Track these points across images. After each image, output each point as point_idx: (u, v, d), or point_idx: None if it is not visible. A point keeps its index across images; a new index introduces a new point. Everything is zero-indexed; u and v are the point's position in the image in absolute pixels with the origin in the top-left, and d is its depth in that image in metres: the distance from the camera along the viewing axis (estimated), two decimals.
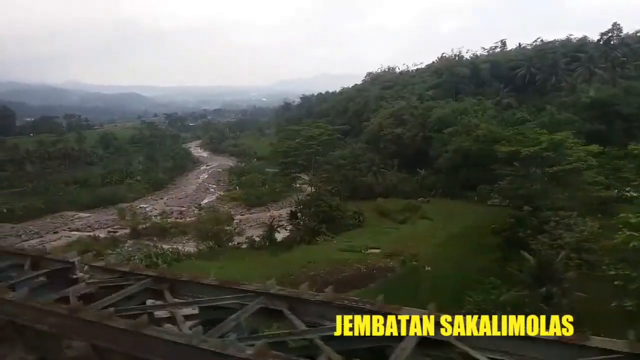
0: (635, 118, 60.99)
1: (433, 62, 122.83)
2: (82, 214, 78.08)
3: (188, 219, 69.58)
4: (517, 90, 78.93)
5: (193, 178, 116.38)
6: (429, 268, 38.49)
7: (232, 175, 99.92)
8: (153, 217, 71.04)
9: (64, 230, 66.25)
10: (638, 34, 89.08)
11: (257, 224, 68.92)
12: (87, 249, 53.17)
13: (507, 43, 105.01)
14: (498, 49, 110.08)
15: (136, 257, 47.05)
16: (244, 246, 54.44)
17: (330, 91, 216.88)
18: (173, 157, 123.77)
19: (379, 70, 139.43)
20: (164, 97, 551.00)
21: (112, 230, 66.41)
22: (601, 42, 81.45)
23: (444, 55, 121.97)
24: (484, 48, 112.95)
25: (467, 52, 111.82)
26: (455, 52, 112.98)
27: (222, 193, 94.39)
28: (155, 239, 61.28)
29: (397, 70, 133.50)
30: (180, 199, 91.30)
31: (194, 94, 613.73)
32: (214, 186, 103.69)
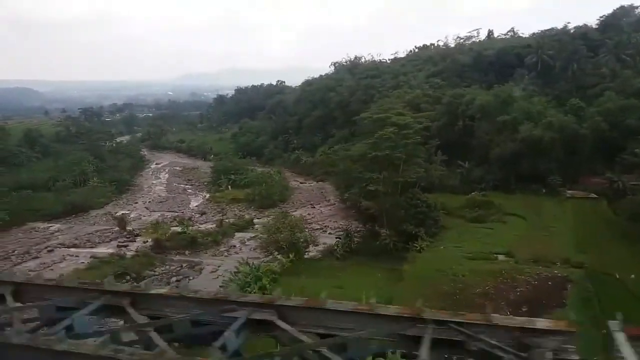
0: None
1: (410, 51, 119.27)
2: (55, 225, 63.61)
3: (209, 227, 58.64)
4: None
5: (151, 178, 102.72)
6: (618, 275, 32.89)
7: (215, 173, 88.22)
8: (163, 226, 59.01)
9: (57, 247, 52.41)
10: None
11: None
12: (124, 272, 41.76)
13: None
14: (475, 39, 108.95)
15: (238, 276, 36.63)
16: (316, 256, 45.70)
17: (241, 86, 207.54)
18: (129, 155, 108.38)
19: (345, 61, 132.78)
20: (59, 92, 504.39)
21: (121, 244, 53.79)
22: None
23: (428, 44, 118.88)
24: (459, 37, 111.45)
25: (438, 41, 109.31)
26: (440, 41, 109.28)
27: (206, 194, 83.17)
28: (187, 252, 50.18)
29: (362, 61, 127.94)
30: (160, 202, 78.70)
31: (91, 88, 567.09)
32: (188, 187, 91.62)
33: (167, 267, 45.39)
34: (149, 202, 79.89)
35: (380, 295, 31.96)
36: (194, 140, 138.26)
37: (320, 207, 71.12)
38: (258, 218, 64.77)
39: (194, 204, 77.50)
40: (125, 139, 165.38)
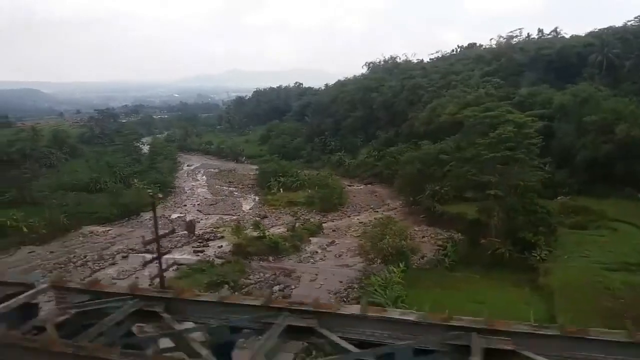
0: None
1: (453, 50, 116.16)
2: (112, 229, 60.55)
3: (277, 232, 55.38)
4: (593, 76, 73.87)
5: (188, 180, 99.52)
6: None
7: (263, 176, 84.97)
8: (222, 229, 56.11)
9: (129, 253, 49.26)
10: None
11: (364, 233, 56.92)
12: (222, 280, 38.64)
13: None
14: (516, 39, 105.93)
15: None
16: (421, 265, 42.49)
17: (244, 87, 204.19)
18: (167, 157, 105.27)
19: (380, 62, 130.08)
20: (64, 94, 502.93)
21: (196, 249, 50.60)
22: None
23: (476, 44, 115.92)
24: (501, 37, 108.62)
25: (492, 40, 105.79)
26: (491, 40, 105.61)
27: (256, 197, 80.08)
28: (271, 258, 46.97)
29: (399, 60, 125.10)
30: (211, 205, 75.50)
31: (96, 90, 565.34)
32: (232, 189, 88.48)
33: (262, 274, 42.13)
34: (198, 204, 76.73)
35: (536, 313, 28.93)
36: (225, 142, 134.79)
37: (383, 211, 67.85)
38: (324, 223, 61.68)
39: (246, 207, 74.33)
40: (146, 140, 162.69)
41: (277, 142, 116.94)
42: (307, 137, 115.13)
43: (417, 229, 57.60)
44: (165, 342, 4.78)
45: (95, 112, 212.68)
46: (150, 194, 71.90)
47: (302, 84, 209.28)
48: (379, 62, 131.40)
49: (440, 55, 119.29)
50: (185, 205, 76.30)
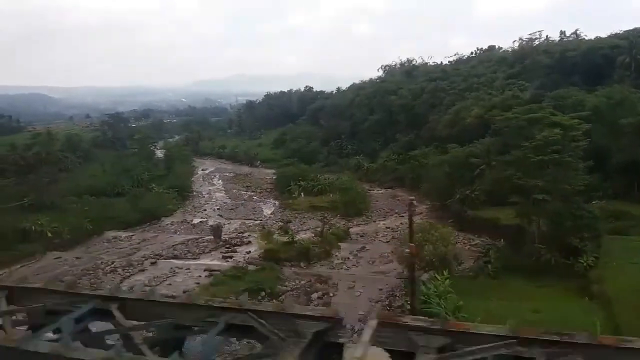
0: None
1: (472, 53, 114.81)
2: (135, 234, 59.49)
3: (303, 237, 54.02)
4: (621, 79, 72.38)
5: (205, 184, 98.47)
6: None
7: (282, 180, 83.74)
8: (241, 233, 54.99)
9: (158, 259, 48.01)
10: None
11: (393, 238, 55.60)
12: (259, 287, 37.38)
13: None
14: (536, 41, 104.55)
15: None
16: (463, 272, 41.05)
17: (251, 91, 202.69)
18: (183, 161, 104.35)
19: (396, 65, 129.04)
20: (73, 98, 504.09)
21: (225, 255, 49.37)
22: None
23: (493, 45, 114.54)
24: (522, 39, 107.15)
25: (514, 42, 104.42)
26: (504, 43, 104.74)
27: (275, 201, 78.90)
28: (302, 264, 45.65)
29: (414, 63, 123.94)
30: (231, 210, 74.37)
31: (104, 94, 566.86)
32: (250, 193, 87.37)
33: (297, 281, 40.82)
34: (218, 209, 75.63)
35: (604, 325, 27.45)
36: (238, 146, 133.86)
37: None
38: (350, 227, 60.35)
39: (267, 211, 73.11)
40: (158, 144, 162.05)
41: (293, 146, 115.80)
42: (323, 141, 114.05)
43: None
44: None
45: (106, 116, 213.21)
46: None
47: (312, 88, 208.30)
48: (395, 65, 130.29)
49: (457, 58, 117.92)
50: (205, 210, 75.25)
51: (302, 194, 76.55)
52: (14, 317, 5.68)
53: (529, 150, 38.93)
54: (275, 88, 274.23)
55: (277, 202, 78.21)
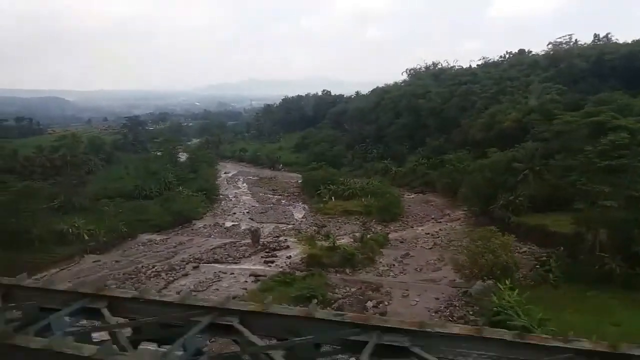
0: None
1: (501, 57, 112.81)
2: (169, 237, 58.40)
3: (346, 242, 52.50)
4: None
5: (229, 187, 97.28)
6: None
7: (310, 184, 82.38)
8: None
9: (199, 263, 46.72)
10: None
11: (435, 245, 53.98)
12: (312, 294, 35.87)
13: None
14: (566, 45, 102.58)
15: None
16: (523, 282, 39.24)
17: (261, 95, 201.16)
18: (208, 164, 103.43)
19: (422, 68, 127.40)
20: (88, 102, 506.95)
21: (267, 259, 47.96)
22: None
23: (523, 49, 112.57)
24: (551, 43, 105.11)
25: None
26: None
27: (304, 205, 77.56)
28: (348, 271, 44.12)
29: (440, 66, 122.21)
30: (261, 213, 73.03)
31: (118, 98, 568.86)
32: (277, 197, 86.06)
33: (347, 289, 39.29)
34: (247, 212, 74.37)
35: None
36: (260, 150, 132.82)
37: (446, 222, 64.71)
38: (388, 233, 58.74)
39: (297, 215, 71.72)
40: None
41: (316, 149, 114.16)
42: (348, 145, 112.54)
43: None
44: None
45: (124, 120, 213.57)
46: None
47: (329, 91, 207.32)
48: (420, 68, 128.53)
49: (483, 62, 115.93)
50: (234, 213, 73.98)
51: (332, 197, 75.01)
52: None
53: (593, 154, 37.11)
54: (287, 92, 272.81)
55: (306, 206, 76.88)
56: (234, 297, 34.04)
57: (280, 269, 44.59)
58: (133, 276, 42.22)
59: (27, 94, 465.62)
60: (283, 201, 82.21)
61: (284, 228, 62.77)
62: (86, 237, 49.59)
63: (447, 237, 56.84)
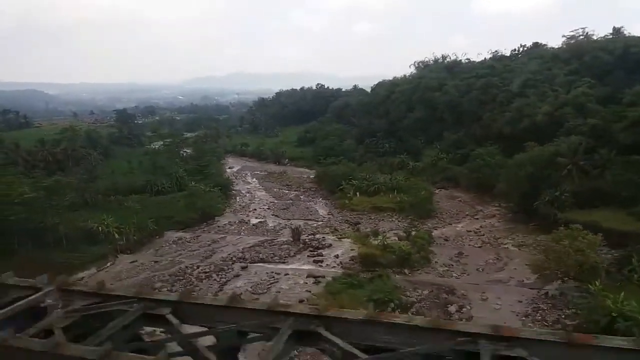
0: None
1: (515, 50, 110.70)
2: (198, 234, 54.90)
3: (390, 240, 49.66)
4: None
5: (239, 182, 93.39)
6: None
7: (330, 179, 79.16)
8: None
9: (245, 263, 43.33)
10: None
11: (484, 243, 51.53)
12: (388, 299, 33.03)
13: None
14: (582, 37, 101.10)
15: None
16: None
17: (250, 89, 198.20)
18: (216, 158, 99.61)
19: (430, 61, 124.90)
20: (70, 95, 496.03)
21: (314, 258, 44.66)
22: None
23: (538, 42, 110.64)
24: (565, 36, 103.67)
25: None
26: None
27: (324, 200, 74.52)
28: (406, 271, 41.35)
29: (448, 60, 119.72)
30: (283, 209, 69.79)
31: (100, 91, 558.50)
32: (294, 192, 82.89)
33: (419, 291, 36.49)
34: (268, 208, 71.10)
35: None
36: (263, 144, 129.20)
37: (482, 218, 62.32)
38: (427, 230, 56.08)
39: (322, 211, 68.66)
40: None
41: (325, 144, 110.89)
42: (357, 139, 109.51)
43: (538, 238, 52.20)
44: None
45: (114, 113, 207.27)
46: None
47: (323, 85, 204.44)
48: (428, 60, 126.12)
49: (491, 55, 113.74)
50: (255, 210, 70.71)
51: (357, 193, 72.10)
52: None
53: None
54: (275, 86, 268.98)
55: (327, 202, 73.85)
56: (300, 301, 31.08)
57: (333, 269, 41.65)
58: (181, 277, 38.79)
59: (5, 86, 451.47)
60: (302, 197, 78.97)
61: (314, 225, 59.76)
62: (116, 236, 45.78)
63: (491, 234, 54.49)
